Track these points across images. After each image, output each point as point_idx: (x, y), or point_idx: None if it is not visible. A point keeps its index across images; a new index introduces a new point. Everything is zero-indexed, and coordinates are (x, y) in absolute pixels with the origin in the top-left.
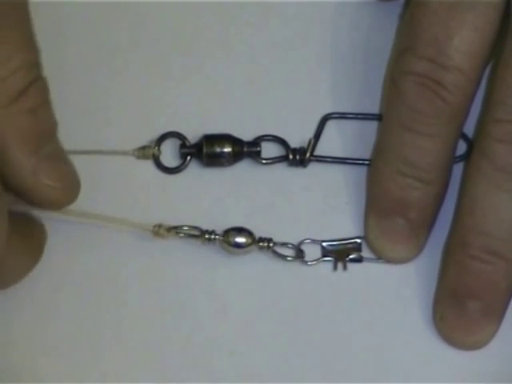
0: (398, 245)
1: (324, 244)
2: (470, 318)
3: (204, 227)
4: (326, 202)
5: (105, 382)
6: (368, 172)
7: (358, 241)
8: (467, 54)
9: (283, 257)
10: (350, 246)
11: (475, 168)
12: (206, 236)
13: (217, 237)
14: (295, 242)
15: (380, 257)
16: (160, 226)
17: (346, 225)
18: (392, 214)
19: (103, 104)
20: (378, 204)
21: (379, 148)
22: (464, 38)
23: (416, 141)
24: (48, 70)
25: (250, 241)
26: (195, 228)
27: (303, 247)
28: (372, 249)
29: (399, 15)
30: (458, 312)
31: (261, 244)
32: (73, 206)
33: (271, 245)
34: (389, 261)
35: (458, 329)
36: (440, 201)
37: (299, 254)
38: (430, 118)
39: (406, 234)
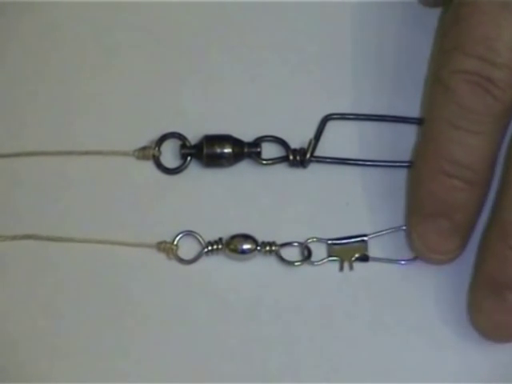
0: (441, 246)
1: (330, 242)
2: (509, 310)
3: (204, 228)
4: (326, 203)
5: (105, 382)
6: (410, 173)
7: (365, 238)
8: None
9: (290, 262)
10: (356, 244)
11: None
12: (209, 248)
13: (220, 246)
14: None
15: (422, 258)
16: (164, 242)
17: (346, 226)
18: (436, 216)
19: (103, 104)
20: (421, 205)
21: (423, 148)
22: None
23: (464, 139)
24: (47, 70)
25: (253, 247)
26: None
27: (309, 246)
28: (414, 250)
29: (438, 18)
30: (496, 304)
31: (265, 249)
32: (75, 207)
33: (274, 248)
34: (431, 262)
35: (497, 321)
36: (484, 200)
37: (306, 256)
38: (480, 116)
39: (449, 236)
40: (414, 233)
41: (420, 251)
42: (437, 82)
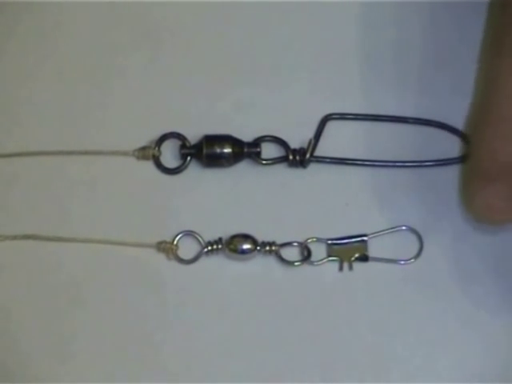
0: (504, 208)
1: (329, 242)
2: None
3: (204, 228)
4: (326, 203)
5: (106, 381)
6: (473, 137)
7: (365, 238)
8: None
9: (290, 262)
10: (356, 244)
11: None
12: (209, 248)
13: (219, 246)
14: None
15: (486, 222)
16: (164, 242)
17: (346, 225)
18: (499, 178)
19: (103, 104)
20: (483, 168)
21: (486, 111)
22: None
23: None
24: (48, 70)
25: (253, 247)
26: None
27: (308, 246)
28: (477, 214)
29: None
30: None
31: (265, 249)
32: (75, 207)
33: (274, 248)
34: (494, 224)
35: None
36: None
37: (306, 256)
38: None
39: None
40: (474, 196)
41: (484, 214)
42: (502, 55)
